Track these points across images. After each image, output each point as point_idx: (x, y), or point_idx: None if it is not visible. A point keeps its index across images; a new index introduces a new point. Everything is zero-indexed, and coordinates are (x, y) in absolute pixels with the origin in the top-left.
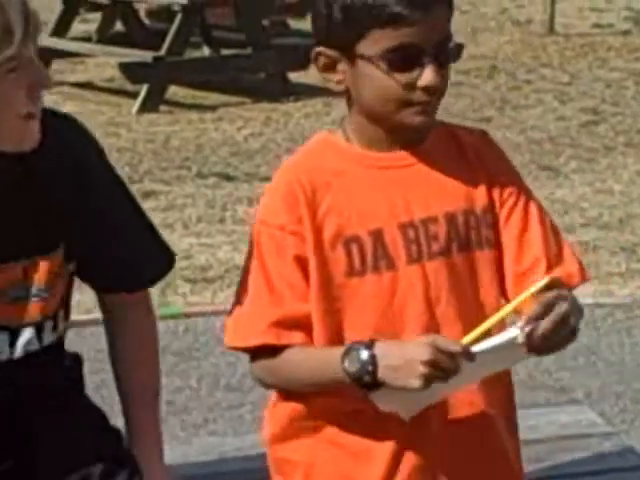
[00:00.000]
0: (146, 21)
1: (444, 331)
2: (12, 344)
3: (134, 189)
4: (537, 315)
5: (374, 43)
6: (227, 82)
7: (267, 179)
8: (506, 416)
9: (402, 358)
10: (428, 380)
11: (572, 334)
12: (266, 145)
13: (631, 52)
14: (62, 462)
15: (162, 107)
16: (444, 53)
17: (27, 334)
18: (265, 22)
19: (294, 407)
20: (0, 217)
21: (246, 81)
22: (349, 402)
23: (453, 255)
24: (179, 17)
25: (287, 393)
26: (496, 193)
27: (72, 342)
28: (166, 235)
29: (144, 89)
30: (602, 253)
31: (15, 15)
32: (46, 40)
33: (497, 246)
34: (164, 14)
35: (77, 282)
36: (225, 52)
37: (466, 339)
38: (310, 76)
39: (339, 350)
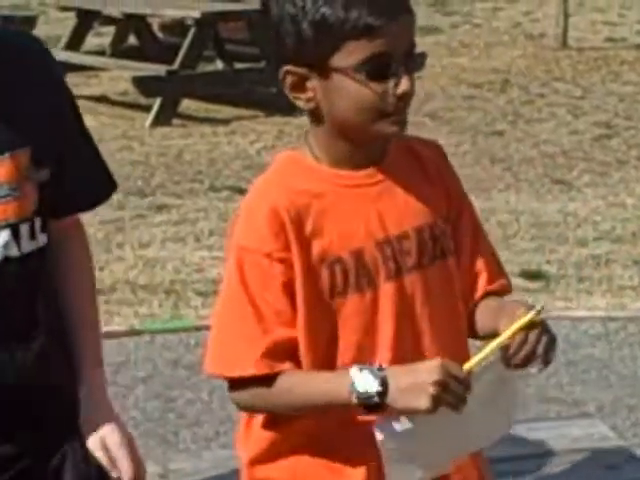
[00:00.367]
0: (159, 35)
1: (424, 344)
2: None
3: (146, 202)
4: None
5: (348, 55)
6: (240, 96)
7: None
8: None
9: (412, 379)
10: (437, 402)
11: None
12: None
13: None
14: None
15: (175, 121)
16: (413, 60)
17: (4, 235)
18: None
19: (276, 429)
20: None
21: (259, 95)
22: (333, 422)
23: (425, 268)
24: (192, 31)
25: (272, 417)
26: (452, 205)
27: None
28: (178, 248)
29: (157, 102)
30: (615, 267)
31: None
32: (60, 54)
33: (456, 254)
34: (177, 28)
35: None
36: (238, 66)
37: (465, 367)
38: None
39: (344, 371)
